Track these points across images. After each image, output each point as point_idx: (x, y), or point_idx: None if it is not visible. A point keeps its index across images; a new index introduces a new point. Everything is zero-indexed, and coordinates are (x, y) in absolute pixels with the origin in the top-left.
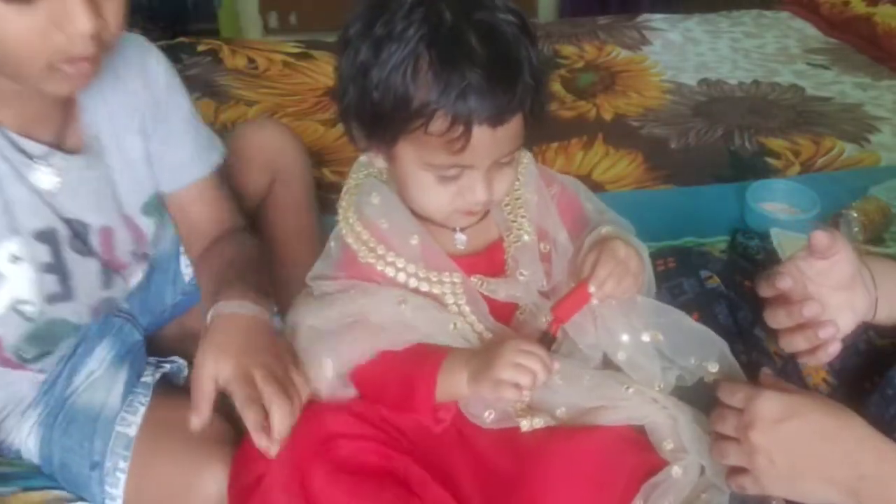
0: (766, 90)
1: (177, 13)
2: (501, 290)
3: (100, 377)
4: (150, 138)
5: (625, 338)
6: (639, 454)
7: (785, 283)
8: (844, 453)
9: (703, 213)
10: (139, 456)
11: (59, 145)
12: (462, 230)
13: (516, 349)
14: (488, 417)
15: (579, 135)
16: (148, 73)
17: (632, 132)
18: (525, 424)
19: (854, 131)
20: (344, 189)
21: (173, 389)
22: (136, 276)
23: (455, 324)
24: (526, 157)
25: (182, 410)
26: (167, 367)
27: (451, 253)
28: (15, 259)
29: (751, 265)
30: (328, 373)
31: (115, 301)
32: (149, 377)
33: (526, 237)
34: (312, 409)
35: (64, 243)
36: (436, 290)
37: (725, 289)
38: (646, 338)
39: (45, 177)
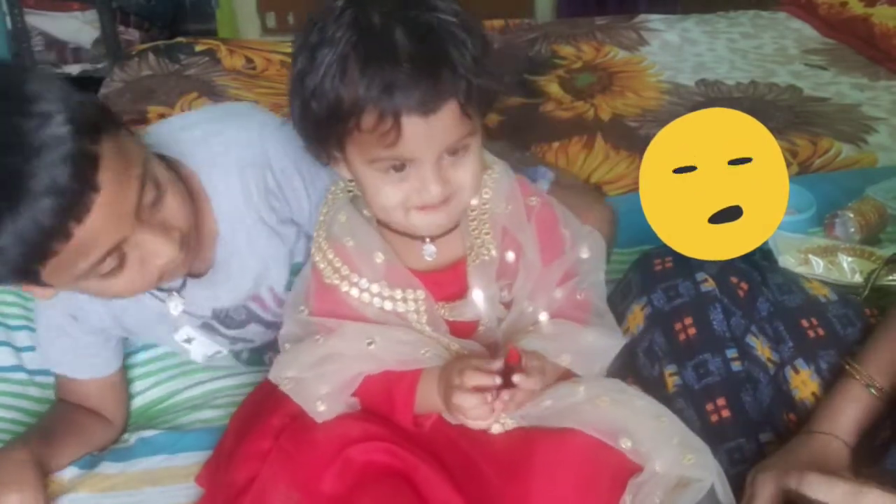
0: (763, 91)
1: (175, 13)
2: (468, 312)
3: None
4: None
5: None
6: (618, 453)
7: None
8: None
9: None
10: None
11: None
12: (432, 241)
13: (461, 371)
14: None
15: (579, 135)
16: None
17: (630, 133)
18: (497, 427)
19: (851, 132)
20: (323, 203)
21: None
22: None
23: (426, 350)
24: (498, 170)
25: None
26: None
27: (418, 269)
28: (189, 339)
29: (748, 265)
30: (327, 413)
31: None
32: None
33: (485, 256)
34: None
35: (220, 327)
36: (400, 309)
37: (720, 292)
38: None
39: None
